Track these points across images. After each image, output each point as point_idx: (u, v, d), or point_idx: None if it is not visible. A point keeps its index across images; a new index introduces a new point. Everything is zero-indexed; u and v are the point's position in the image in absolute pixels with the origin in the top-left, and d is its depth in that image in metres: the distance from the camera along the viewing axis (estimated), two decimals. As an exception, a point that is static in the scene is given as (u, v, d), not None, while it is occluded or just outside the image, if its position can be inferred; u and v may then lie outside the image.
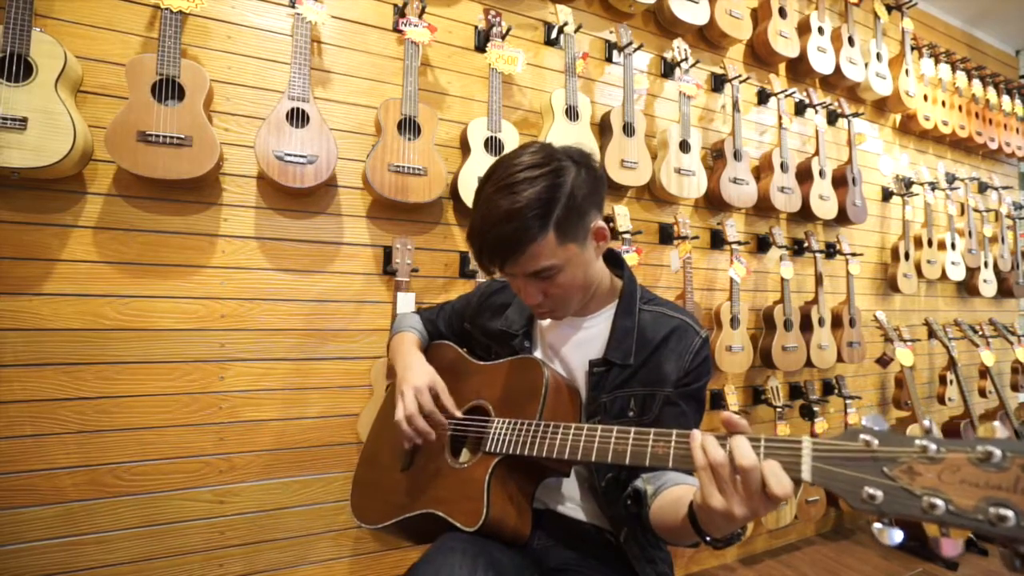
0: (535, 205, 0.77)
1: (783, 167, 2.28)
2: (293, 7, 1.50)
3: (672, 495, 0.79)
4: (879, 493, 0.47)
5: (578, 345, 0.96)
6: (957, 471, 0.44)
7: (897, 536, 0.47)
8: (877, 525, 0.50)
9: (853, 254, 2.47)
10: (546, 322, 1.02)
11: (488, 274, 0.86)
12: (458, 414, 0.94)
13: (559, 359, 0.98)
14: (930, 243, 2.81)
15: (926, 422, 0.54)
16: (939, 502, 0.44)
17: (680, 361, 0.90)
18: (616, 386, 0.90)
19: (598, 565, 0.90)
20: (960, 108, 3.06)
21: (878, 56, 2.69)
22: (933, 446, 0.46)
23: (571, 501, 0.96)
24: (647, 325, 0.93)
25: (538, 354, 1.00)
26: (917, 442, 0.47)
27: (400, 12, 1.66)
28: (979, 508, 0.42)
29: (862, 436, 0.50)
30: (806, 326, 2.31)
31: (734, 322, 2.09)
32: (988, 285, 3.05)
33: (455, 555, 0.74)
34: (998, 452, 0.43)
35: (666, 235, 2.14)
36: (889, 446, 0.49)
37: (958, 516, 0.43)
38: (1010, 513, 0.41)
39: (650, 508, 0.82)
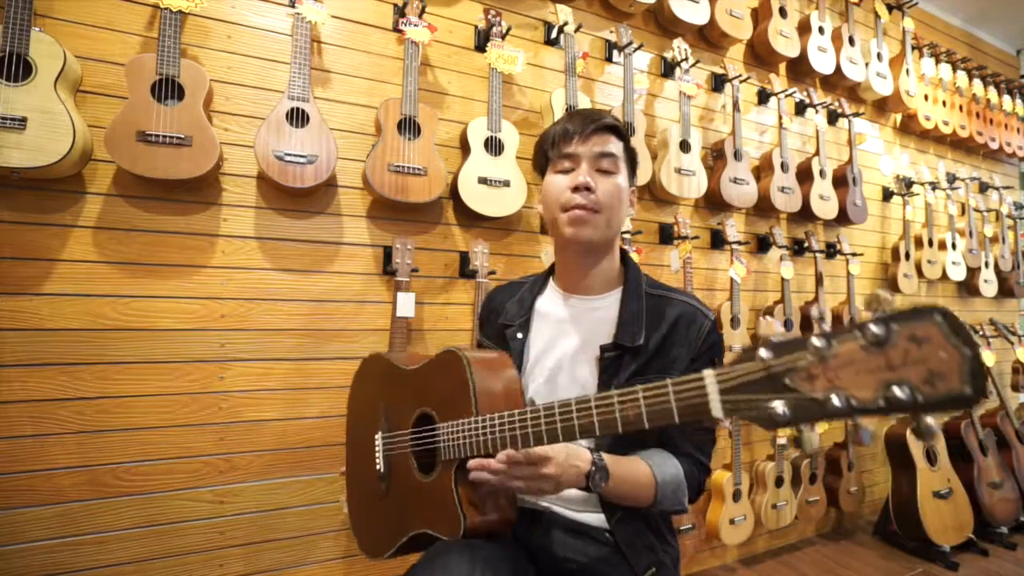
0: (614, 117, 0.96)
1: (783, 167, 2.28)
2: (293, 7, 1.50)
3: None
4: (785, 409, 0.47)
5: (583, 328, 0.96)
6: (851, 363, 0.45)
7: (867, 437, 0.46)
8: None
9: (853, 254, 2.47)
10: (545, 309, 1.01)
11: (561, 154, 0.93)
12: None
13: (559, 345, 0.97)
14: (931, 243, 2.81)
15: (814, 311, 0.54)
16: (841, 401, 0.44)
17: (690, 346, 0.91)
18: (631, 375, 0.90)
19: (596, 562, 0.89)
20: (961, 108, 3.06)
21: (878, 56, 2.69)
22: (822, 343, 0.46)
23: (569, 498, 0.96)
24: (655, 310, 0.94)
25: (535, 342, 0.99)
26: (809, 343, 0.47)
27: (400, 12, 1.66)
28: (877, 395, 0.43)
29: (759, 354, 0.50)
30: (806, 326, 2.31)
31: (734, 322, 2.09)
32: (989, 285, 3.05)
33: (452, 555, 0.75)
34: (882, 331, 0.43)
35: (666, 235, 2.14)
36: (784, 357, 0.49)
37: (862, 408, 0.44)
38: (905, 390, 0.41)
39: None
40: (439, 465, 0.86)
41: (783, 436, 2.20)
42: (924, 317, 0.42)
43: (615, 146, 0.93)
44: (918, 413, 0.41)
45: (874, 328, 0.43)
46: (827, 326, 0.48)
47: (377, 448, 1.03)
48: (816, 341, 0.47)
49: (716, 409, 0.53)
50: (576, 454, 0.79)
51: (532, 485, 0.76)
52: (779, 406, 0.48)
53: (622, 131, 0.95)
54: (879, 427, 2.70)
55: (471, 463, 0.77)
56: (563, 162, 0.93)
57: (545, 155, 0.96)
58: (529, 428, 0.72)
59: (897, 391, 0.41)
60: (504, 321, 1.03)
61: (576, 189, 0.89)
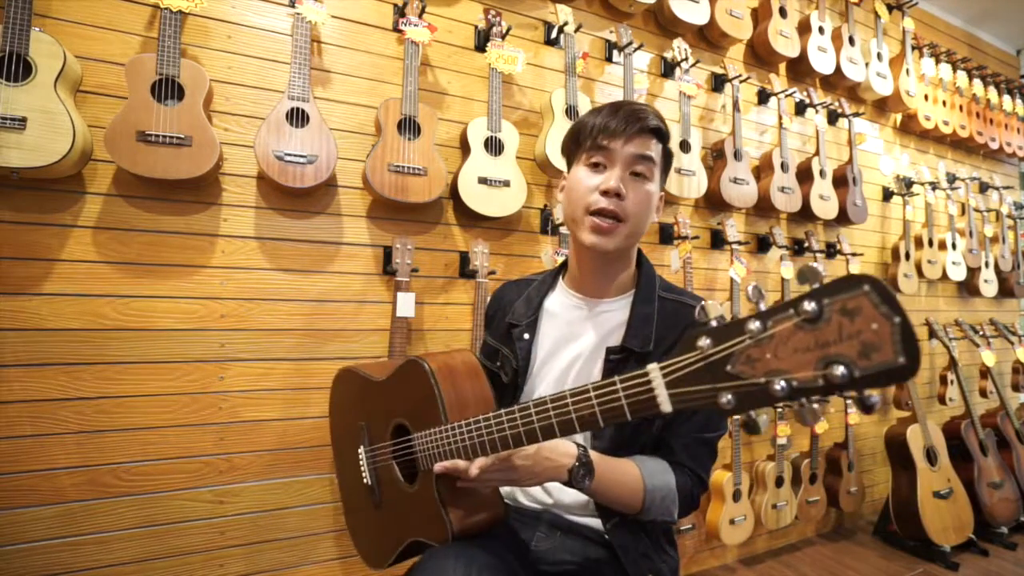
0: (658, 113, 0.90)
1: (783, 167, 2.28)
2: (293, 7, 1.50)
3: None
4: (731, 397, 0.47)
5: (594, 331, 0.94)
6: (788, 342, 0.44)
7: (816, 419, 0.44)
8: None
9: (853, 254, 2.47)
10: (554, 309, 1.00)
11: (596, 145, 0.87)
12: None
13: (568, 347, 0.95)
14: (931, 243, 2.81)
15: (750, 287, 0.52)
16: (782, 383, 0.44)
17: None
18: None
19: (594, 565, 0.89)
20: (961, 108, 3.06)
21: (879, 56, 2.69)
22: (757, 325, 0.45)
23: (566, 503, 0.96)
24: (668, 314, 0.91)
25: (542, 342, 0.98)
26: (746, 327, 0.46)
27: (400, 12, 1.66)
28: (817, 374, 0.42)
29: (699, 342, 0.49)
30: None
31: (734, 322, 2.09)
32: (989, 285, 3.05)
33: (448, 560, 0.75)
34: (814, 306, 0.42)
35: (666, 235, 2.14)
36: (723, 343, 0.48)
37: (803, 389, 0.43)
38: (842, 367, 0.41)
39: None
40: (420, 474, 0.86)
41: (783, 436, 2.20)
42: (853, 288, 0.40)
43: (654, 150, 0.88)
44: (859, 389, 0.41)
45: (807, 305, 0.42)
46: (763, 305, 0.49)
47: (362, 462, 1.03)
48: (752, 324, 0.46)
49: (665, 404, 0.52)
50: (555, 448, 0.78)
51: (502, 477, 0.76)
52: (724, 395, 0.47)
53: (665, 133, 0.90)
54: (879, 428, 2.70)
55: (437, 468, 0.78)
56: (596, 155, 0.88)
57: (578, 143, 0.91)
58: (495, 433, 0.71)
59: (835, 369, 0.41)
60: (511, 320, 1.01)
61: (605, 193, 0.85)
